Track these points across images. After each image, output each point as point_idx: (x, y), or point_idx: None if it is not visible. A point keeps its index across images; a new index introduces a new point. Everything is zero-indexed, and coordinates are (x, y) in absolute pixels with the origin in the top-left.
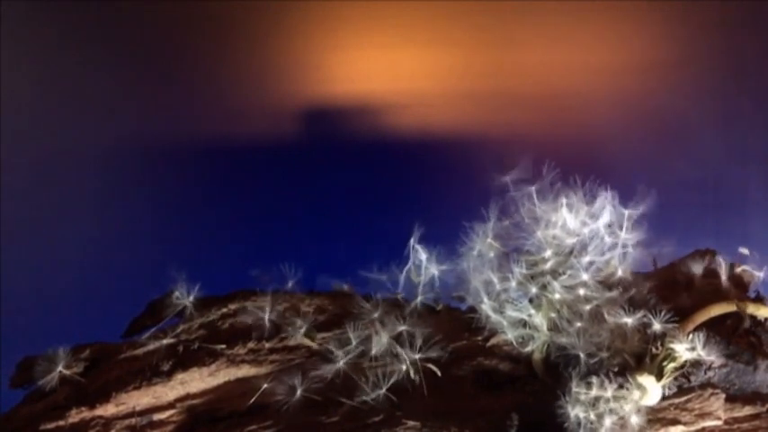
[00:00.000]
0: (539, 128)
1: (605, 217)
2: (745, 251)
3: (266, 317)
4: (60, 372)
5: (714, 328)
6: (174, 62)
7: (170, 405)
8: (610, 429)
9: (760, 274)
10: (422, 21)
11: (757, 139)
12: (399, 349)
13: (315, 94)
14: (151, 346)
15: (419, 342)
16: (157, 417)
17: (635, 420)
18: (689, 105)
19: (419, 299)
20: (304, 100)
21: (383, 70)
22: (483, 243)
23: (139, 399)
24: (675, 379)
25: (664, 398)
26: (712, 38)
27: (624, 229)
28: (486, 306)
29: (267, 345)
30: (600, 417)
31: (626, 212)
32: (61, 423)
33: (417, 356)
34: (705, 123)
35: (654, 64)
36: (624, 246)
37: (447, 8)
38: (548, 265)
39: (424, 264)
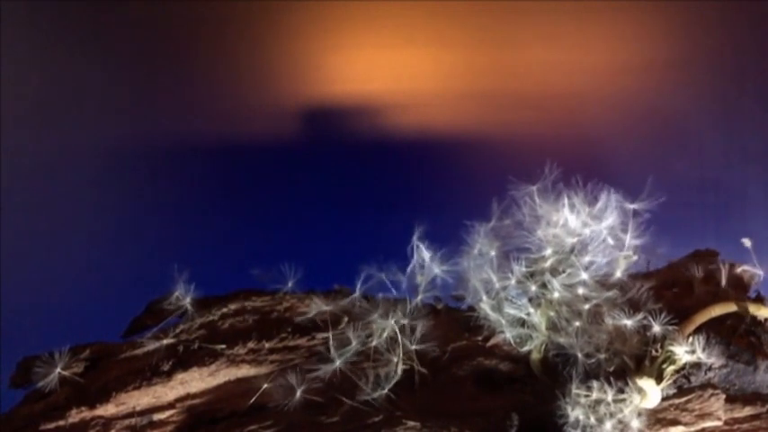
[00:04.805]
0: (539, 128)
1: (608, 218)
2: (747, 242)
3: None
4: (60, 372)
5: (714, 329)
6: (174, 62)
7: (170, 405)
8: None
9: (760, 274)
10: (422, 21)
11: (757, 139)
12: (399, 349)
13: (315, 94)
14: (151, 346)
15: (419, 341)
16: (157, 417)
17: (635, 424)
18: (689, 105)
19: (420, 297)
20: (304, 100)
21: (383, 70)
22: (483, 242)
23: (139, 399)
24: (675, 381)
25: (664, 398)
26: (712, 38)
27: (629, 231)
28: (485, 305)
29: (267, 345)
30: (600, 420)
31: (630, 207)
32: (61, 423)
33: (417, 355)
34: (705, 123)
35: (654, 64)
36: (628, 248)
37: (447, 8)
38: (547, 264)
39: (426, 263)
